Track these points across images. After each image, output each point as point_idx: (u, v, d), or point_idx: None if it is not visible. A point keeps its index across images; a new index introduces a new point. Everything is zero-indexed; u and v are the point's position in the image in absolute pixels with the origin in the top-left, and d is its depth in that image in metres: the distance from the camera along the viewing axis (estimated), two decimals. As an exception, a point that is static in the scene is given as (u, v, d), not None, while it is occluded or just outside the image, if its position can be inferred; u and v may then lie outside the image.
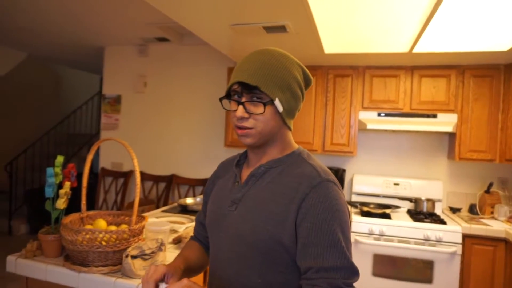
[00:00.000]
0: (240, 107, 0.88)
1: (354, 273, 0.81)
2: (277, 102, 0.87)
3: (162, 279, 0.87)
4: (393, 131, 3.24)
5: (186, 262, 1.01)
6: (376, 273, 2.65)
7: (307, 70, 0.96)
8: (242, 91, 0.88)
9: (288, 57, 0.92)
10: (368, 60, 3.00)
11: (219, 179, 1.07)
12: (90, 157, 1.50)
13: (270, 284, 0.88)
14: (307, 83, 0.97)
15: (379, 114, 3.05)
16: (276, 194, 0.89)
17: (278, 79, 0.87)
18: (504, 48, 2.48)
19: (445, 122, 2.89)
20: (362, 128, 3.05)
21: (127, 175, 4.05)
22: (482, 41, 2.41)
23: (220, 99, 0.94)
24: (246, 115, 0.88)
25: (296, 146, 0.99)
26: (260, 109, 0.87)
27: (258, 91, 0.86)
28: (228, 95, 0.93)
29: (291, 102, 0.91)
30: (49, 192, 1.50)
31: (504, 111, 2.81)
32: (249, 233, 0.88)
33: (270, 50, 0.91)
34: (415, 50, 2.60)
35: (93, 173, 4.90)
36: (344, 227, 0.84)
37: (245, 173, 0.99)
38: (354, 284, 0.82)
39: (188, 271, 1.01)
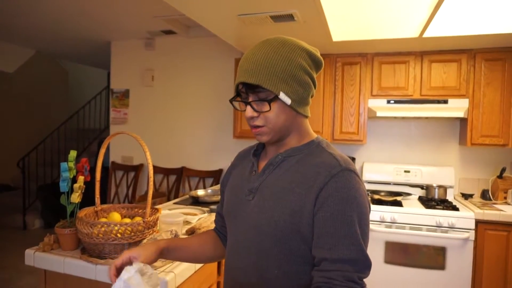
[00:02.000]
0: (248, 107, 0.88)
1: (367, 266, 0.80)
2: (282, 95, 0.85)
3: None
4: (403, 118, 3.21)
5: (174, 242, 1.01)
6: (388, 260, 2.65)
7: (314, 52, 0.92)
8: (246, 91, 0.87)
9: (289, 45, 0.88)
10: (377, 47, 2.95)
11: (236, 169, 1.07)
12: (102, 151, 1.52)
13: (287, 274, 0.86)
14: (317, 65, 0.93)
15: (388, 102, 3.02)
16: (294, 183, 0.87)
17: (280, 72, 0.84)
18: (517, 30, 2.43)
19: (456, 108, 2.85)
20: (372, 116, 3.02)
21: (138, 169, 4.09)
22: (493, 24, 2.36)
23: (231, 101, 0.93)
24: (256, 114, 0.88)
25: (314, 135, 0.97)
26: (266, 106, 0.86)
27: (261, 88, 0.85)
28: (238, 95, 0.92)
29: (299, 91, 0.88)
30: (63, 186, 1.52)
31: (517, 95, 2.77)
32: (266, 222, 0.87)
33: (269, 41, 0.88)
34: (425, 35, 2.55)
35: (103, 167, 4.92)
36: (362, 218, 0.82)
37: (263, 162, 0.98)
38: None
39: (178, 252, 1.01)
